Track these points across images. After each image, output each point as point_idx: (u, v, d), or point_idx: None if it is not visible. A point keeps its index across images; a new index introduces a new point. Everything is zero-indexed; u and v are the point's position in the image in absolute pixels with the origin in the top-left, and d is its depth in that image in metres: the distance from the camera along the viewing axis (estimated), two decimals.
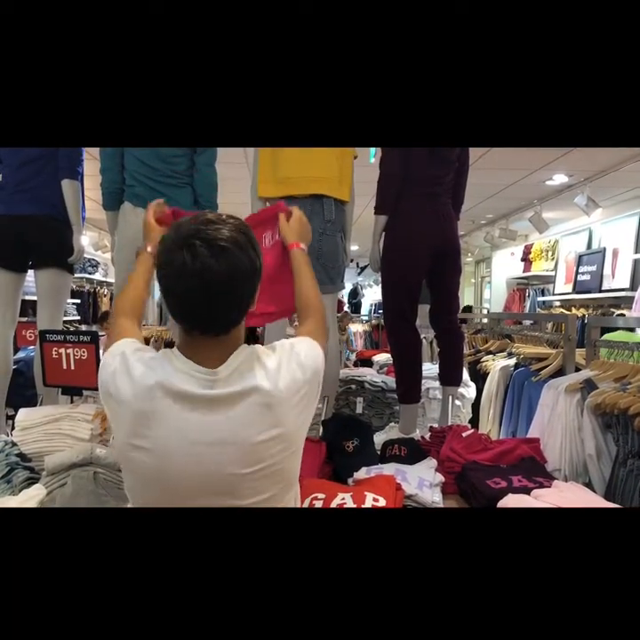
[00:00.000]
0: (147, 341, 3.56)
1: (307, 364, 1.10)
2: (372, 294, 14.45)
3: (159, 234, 1.45)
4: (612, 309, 5.63)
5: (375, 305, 12.81)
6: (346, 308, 11.04)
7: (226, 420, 1.00)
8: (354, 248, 8.99)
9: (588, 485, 1.89)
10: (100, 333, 2.51)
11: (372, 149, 3.84)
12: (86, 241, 7.50)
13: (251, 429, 1.01)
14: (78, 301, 7.58)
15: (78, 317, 7.47)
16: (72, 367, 2.06)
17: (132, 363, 1.04)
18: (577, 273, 6.84)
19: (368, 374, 2.94)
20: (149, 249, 1.42)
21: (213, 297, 0.99)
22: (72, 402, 2.13)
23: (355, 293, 13.59)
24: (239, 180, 2.63)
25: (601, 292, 6.24)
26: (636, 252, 5.81)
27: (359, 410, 2.76)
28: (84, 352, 2.05)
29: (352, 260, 9.46)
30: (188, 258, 0.97)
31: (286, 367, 1.07)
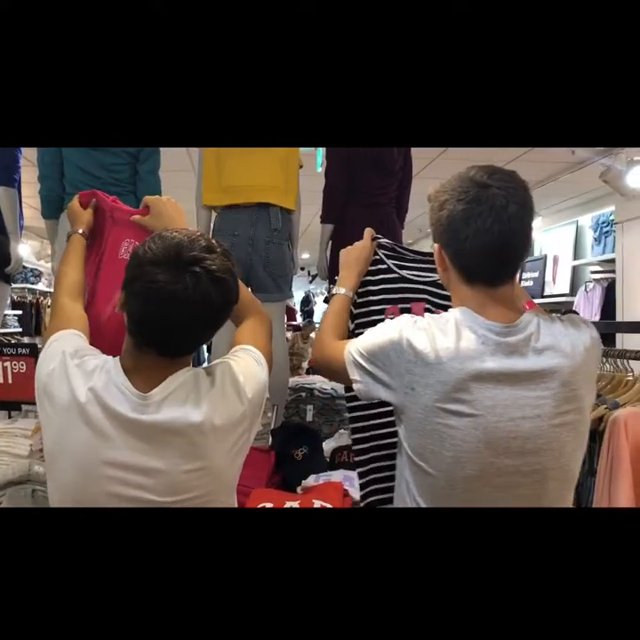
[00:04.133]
0: None
1: (245, 391, 1.05)
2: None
3: (88, 215, 1.45)
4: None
5: None
6: (298, 315, 11.04)
7: (151, 447, 0.97)
8: (305, 256, 9.02)
9: None
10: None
11: (319, 158, 3.88)
12: (27, 250, 7.26)
13: (177, 459, 0.97)
14: (20, 312, 7.30)
15: (20, 329, 7.20)
16: (10, 381, 2.00)
17: (71, 368, 1.01)
18: (520, 279, 7.07)
19: (318, 382, 2.94)
20: (81, 230, 1.41)
21: (202, 324, 1.01)
22: (10, 417, 2.06)
23: (307, 301, 13.61)
24: (185, 188, 2.60)
25: (543, 297, 6.47)
26: (575, 259, 6.06)
27: (309, 417, 2.75)
28: (22, 365, 1.99)
29: (303, 269, 9.49)
30: (191, 284, 0.95)
31: (223, 397, 1.03)
